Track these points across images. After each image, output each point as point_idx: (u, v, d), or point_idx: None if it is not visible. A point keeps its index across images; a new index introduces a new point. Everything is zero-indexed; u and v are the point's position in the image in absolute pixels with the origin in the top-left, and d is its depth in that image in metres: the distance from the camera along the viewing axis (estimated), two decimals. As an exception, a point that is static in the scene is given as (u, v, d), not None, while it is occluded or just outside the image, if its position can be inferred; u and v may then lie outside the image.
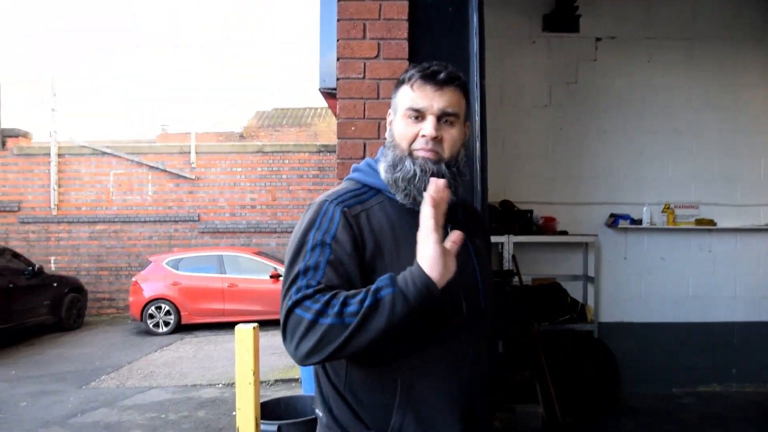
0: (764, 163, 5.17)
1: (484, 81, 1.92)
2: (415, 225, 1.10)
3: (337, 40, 1.96)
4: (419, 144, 1.17)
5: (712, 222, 4.97)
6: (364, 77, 1.96)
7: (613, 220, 4.93)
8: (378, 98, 1.96)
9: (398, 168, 1.18)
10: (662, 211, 4.97)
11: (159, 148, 13.29)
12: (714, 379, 5.06)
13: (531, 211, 4.82)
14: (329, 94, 2.18)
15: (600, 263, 4.97)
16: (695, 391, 5.00)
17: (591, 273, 4.92)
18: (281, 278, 1.19)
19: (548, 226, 4.80)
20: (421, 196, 1.10)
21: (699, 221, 4.97)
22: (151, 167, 12.53)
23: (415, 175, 1.15)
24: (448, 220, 1.16)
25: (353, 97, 1.96)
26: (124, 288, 11.78)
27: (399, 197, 1.19)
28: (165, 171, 12.52)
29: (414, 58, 1.97)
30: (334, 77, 1.95)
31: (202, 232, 12.44)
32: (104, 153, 12.57)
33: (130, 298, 9.95)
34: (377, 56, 1.97)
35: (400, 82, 1.24)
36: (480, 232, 1.38)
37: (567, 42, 5.08)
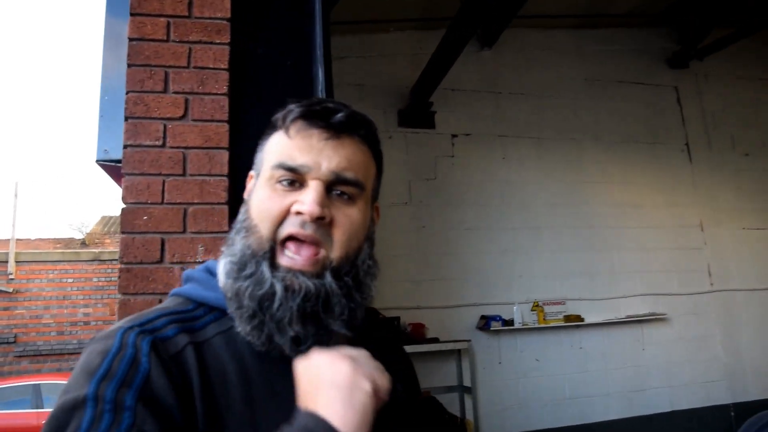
0: (616, 256, 5.28)
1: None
2: (274, 382, 0.71)
3: (127, 93, 1.38)
4: (291, 227, 0.71)
5: (579, 318, 4.86)
6: (164, 144, 1.38)
7: (485, 323, 4.62)
8: (184, 174, 1.36)
9: (246, 270, 0.70)
10: (531, 309, 4.78)
11: (-34, 257, 11.25)
12: (598, 489, 4.73)
13: (398, 318, 4.39)
14: (114, 170, 1.54)
15: (475, 370, 4.58)
16: (582, 505, 4.60)
17: (467, 382, 4.49)
18: None
19: (417, 334, 4.36)
20: (283, 337, 0.69)
21: (567, 318, 4.84)
22: (-46, 280, 10.49)
23: (272, 294, 0.68)
24: None
25: (147, 173, 1.34)
26: None
27: (241, 326, 0.70)
28: (-28, 284, 10.53)
29: (236, 120, 1.43)
30: (120, 145, 1.35)
31: (19, 356, 10.41)
32: None
33: None
34: (184, 116, 1.40)
35: (271, 127, 0.79)
36: (402, 376, 0.86)
37: (424, 138, 4.97)
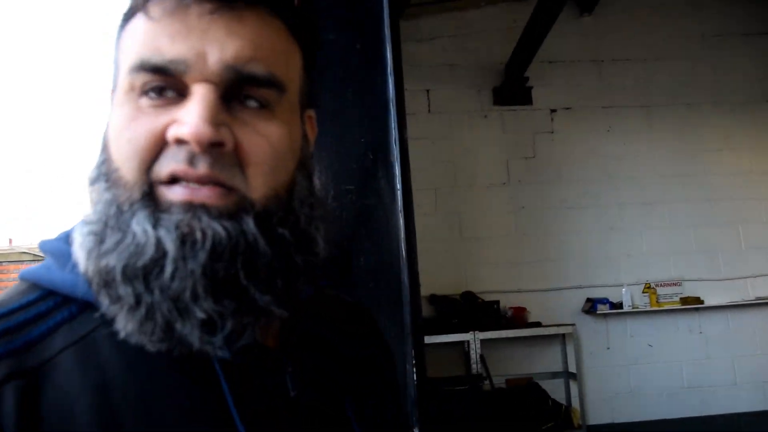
0: (742, 231, 4.77)
1: (406, 133, 1.39)
2: (179, 396, 0.45)
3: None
4: (172, 163, 0.44)
5: (698, 300, 4.46)
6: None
7: (591, 306, 4.37)
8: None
9: (109, 240, 0.44)
10: (643, 291, 4.46)
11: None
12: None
13: (497, 302, 4.25)
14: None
15: (581, 356, 4.36)
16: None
17: (572, 368, 4.29)
18: None
19: (519, 318, 4.22)
20: (188, 322, 0.42)
21: (684, 300, 4.46)
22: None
23: (163, 257, 0.42)
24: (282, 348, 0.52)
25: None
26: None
27: (124, 328, 0.44)
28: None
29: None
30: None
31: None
32: (45, 258, 11.77)
33: None
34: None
35: (126, 13, 0.49)
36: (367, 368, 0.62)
37: (521, 115, 4.77)
